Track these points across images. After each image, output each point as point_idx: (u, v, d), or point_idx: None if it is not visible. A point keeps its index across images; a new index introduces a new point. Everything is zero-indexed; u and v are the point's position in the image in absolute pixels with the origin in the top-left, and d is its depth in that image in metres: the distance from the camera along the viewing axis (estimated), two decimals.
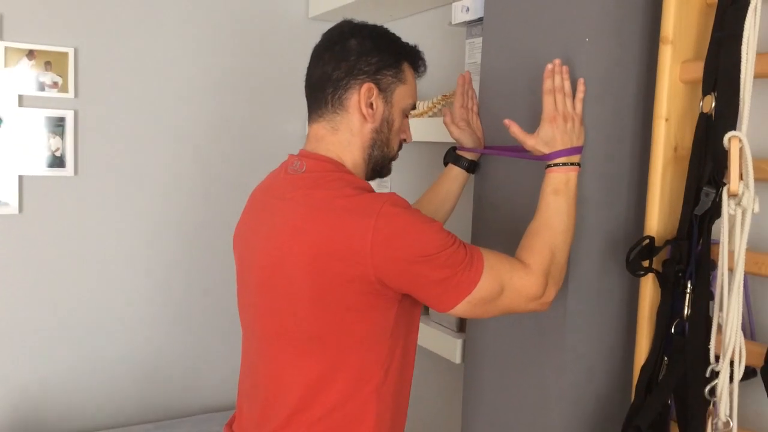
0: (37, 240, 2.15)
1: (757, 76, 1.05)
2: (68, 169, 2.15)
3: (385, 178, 1.40)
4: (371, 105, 1.22)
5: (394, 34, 1.28)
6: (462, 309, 1.12)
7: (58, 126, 2.12)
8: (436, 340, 1.69)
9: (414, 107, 1.31)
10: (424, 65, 1.31)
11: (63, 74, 2.11)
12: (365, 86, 1.21)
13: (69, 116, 2.13)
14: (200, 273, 2.43)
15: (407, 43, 1.28)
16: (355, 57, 1.21)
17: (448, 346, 1.67)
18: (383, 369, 1.17)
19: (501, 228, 1.44)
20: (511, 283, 1.13)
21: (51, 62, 2.10)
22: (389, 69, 1.23)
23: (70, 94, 2.13)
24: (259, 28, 2.45)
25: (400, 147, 1.31)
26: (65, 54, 2.11)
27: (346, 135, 1.22)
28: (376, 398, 1.17)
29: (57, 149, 2.13)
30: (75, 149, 2.16)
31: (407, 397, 1.27)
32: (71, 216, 2.19)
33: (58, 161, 2.13)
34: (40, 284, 2.18)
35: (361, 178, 1.24)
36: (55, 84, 2.11)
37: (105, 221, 2.24)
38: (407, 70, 1.27)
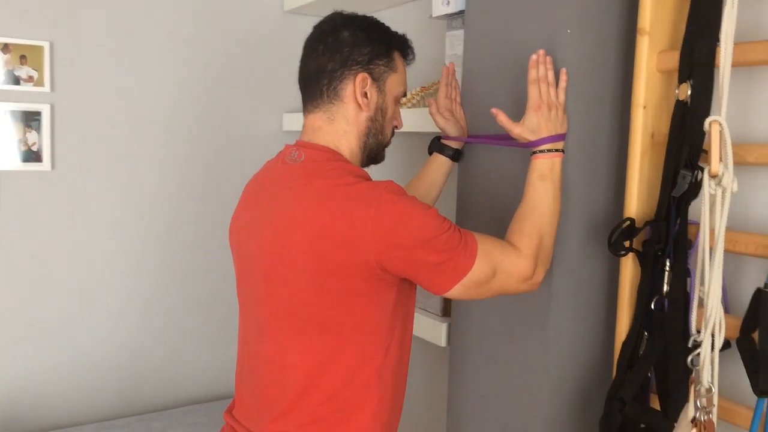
0: (14, 235, 2.14)
1: (732, 65, 1.11)
2: (45, 164, 2.14)
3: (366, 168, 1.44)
4: (366, 94, 1.25)
5: (383, 24, 1.32)
6: (457, 291, 1.16)
7: (34, 120, 2.10)
8: (422, 324, 1.74)
9: (405, 94, 1.35)
10: (413, 53, 1.35)
11: (39, 68, 2.10)
12: (360, 76, 1.24)
13: (45, 110, 2.12)
14: (177, 266, 2.43)
15: (396, 33, 1.32)
16: (348, 48, 1.24)
17: (434, 330, 1.72)
18: (383, 351, 1.21)
19: (484, 214, 1.49)
20: (503, 265, 1.18)
21: (26, 56, 2.08)
22: (381, 58, 1.27)
23: (46, 88, 2.12)
24: (236, 22, 2.46)
25: (392, 134, 1.34)
26: (40, 48, 2.10)
27: (342, 124, 1.25)
28: (377, 379, 1.21)
29: (33, 143, 2.11)
30: (52, 143, 2.15)
31: (405, 378, 1.31)
32: (48, 210, 2.18)
33: (34, 156, 2.12)
34: (18, 279, 2.16)
35: (358, 165, 1.27)
36: (30, 78, 2.09)
37: (82, 215, 2.23)
38: (398, 59, 1.31)
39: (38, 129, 2.11)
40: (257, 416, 1.25)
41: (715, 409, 1.06)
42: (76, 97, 2.18)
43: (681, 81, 1.20)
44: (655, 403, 1.28)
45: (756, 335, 1.12)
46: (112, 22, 2.23)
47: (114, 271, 2.31)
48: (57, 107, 2.15)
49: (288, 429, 1.20)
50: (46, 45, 2.11)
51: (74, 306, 2.26)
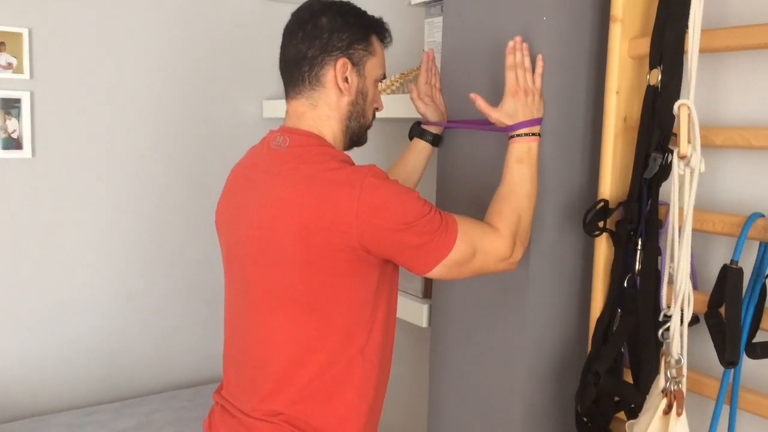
0: None
1: (699, 51, 1.16)
2: (26, 151, 2.14)
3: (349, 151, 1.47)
4: (346, 79, 1.28)
5: (360, 8, 1.34)
6: (438, 271, 1.21)
7: (14, 107, 2.10)
8: (403, 306, 1.78)
9: (384, 77, 1.38)
10: (390, 36, 1.37)
11: (17, 55, 2.10)
12: (340, 61, 1.27)
13: (25, 97, 2.12)
14: (161, 252, 2.45)
15: (373, 16, 1.35)
16: (327, 34, 1.27)
17: (415, 312, 1.76)
18: (367, 330, 1.25)
19: (464, 197, 1.53)
20: (482, 245, 1.22)
21: (5, 43, 2.08)
22: (360, 43, 1.30)
23: (26, 75, 2.12)
24: (215, 11, 2.47)
25: (373, 116, 1.38)
26: (19, 34, 2.10)
27: (325, 110, 1.28)
28: (361, 358, 1.25)
29: (14, 131, 2.11)
30: (32, 131, 2.15)
31: (390, 357, 1.35)
32: (29, 198, 2.18)
33: (14, 143, 2.12)
34: (0, 269, 2.17)
35: (341, 149, 1.31)
36: (9, 65, 2.09)
37: (63, 202, 2.24)
38: (375, 43, 1.33)
39: (18, 116, 2.11)
40: (246, 396, 1.29)
41: (684, 379, 1.11)
42: (56, 84, 2.18)
43: (652, 67, 1.25)
44: (629, 377, 1.34)
45: (723, 310, 1.17)
46: (92, 8, 2.23)
47: (97, 258, 2.33)
48: (37, 94, 2.15)
49: (277, 407, 1.23)
50: (24, 32, 2.10)
51: (58, 293, 2.27)
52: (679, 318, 1.10)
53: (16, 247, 2.19)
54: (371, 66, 1.32)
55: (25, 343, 2.24)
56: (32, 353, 2.25)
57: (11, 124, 2.11)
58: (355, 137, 1.34)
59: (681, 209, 1.09)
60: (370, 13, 1.35)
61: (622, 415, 1.37)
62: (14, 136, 2.12)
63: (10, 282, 2.19)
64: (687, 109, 1.04)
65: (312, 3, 1.32)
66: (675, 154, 1.07)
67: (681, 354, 1.10)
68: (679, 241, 1.09)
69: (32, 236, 2.20)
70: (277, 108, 2.49)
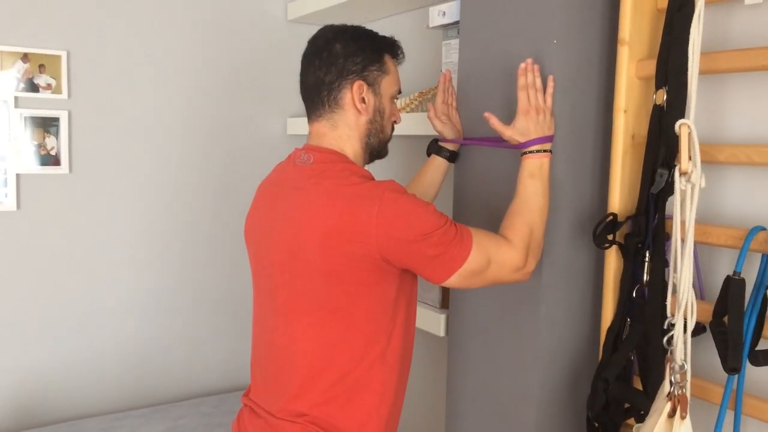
0: (34, 235, 2.25)
1: (700, 73, 1.22)
2: (63, 167, 2.25)
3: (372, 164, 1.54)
4: (363, 100, 1.36)
5: (371, 31, 1.41)
6: (455, 280, 1.27)
7: (52, 126, 2.21)
8: (422, 316, 1.84)
9: (400, 92, 1.45)
10: (402, 52, 1.45)
11: (56, 76, 2.21)
12: (356, 84, 1.35)
13: (63, 116, 2.23)
14: (190, 264, 2.54)
15: (384, 36, 1.42)
16: (342, 60, 1.35)
17: (433, 321, 1.82)
18: (387, 336, 1.32)
19: (479, 210, 1.59)
20: (496, 256, 1.29)
21: (45, 65, 2.19)
22: (373, 64, 1.37)
23: (64, 95, 2.23)
24: (243, 32, 2.57)
25: (392, 129, 1.45)
26: (58, 57, 2.21)
27: (345, 130, 1.36)
28: (381, 363, 1.32)
29: (52, 148, 2.22)
30: (69, 148, 2.26)
31: (409, 362, 1.41)
32: (66, 211, 2.29)
33: (53, 159, 2.23)
34: (38, 277, 2.27)
35: (362, 165, 1.38)
36: (48, 86, 2.20)
37: (98, 215, 2.35)
38: (389, 61, 1.41)
39: (56, 134, 2.22)
40: (273, 398, 1.36)
41: (688, 384, 1.17)
42: (92, 104, 2.29)
43: (658, 87, 1.31)
44: (638, 385, 1.39)
45: (726, 319, 1.23)
46: (126, 33, 2.34)
47: (129, 269, 2.42)
48: (74, 113, 2.26)
49: (301, 409, 1.30)
50: (63, 54, 2.22)
51: (91, 303, 2.37)
52: (683, 326, 1.15)
53: (53, 259, 2.29)
54: (386, 84, 1.40)
55: (60, 350, 2.33)
56: (66, 360, 2.35)
57: (50, 141, 2.22)
58: (376, 152, 1.42)
59: (683, 222, 1.15)
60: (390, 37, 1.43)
61: (632, 421, 1.42)
62: (52, 153, 2.23)
63: (47, 291, 2.29)
64: (687, 128, 1.11)
65: (326, 31, 1.40)
66: (677, 170, 1.13)
67: (684, 360, 1.15)
68: (681, 253, 1.15)
69: (68, 247, 2.31)
70: (300, 125, 2.58)
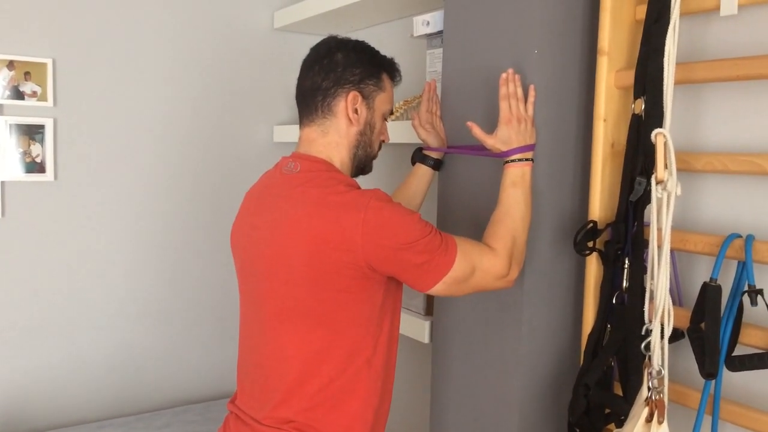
0: (19, 242, 2.24)
1: (677, 83, 1.25)
2: (48, 175, 2.24)
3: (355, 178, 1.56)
4: (356, 110, 1.38)
5: (373, 48, 1.45)
6: (439, 288, 1.29)
7: (38, 133, 2.21)
8: (406, 323, 1.85)
9: (392, 112, 1.48)
10: (400, 75, 1.48)
11: (42, 84, 2.21)
12: (351, 94, 1.37)
13: (48, 124, 2.23)
14: (175, 271, 2.54)
15: (385, 56, 1.45)
16: (341, 68, 1.37)
17: (417, 328, 1.84)
18: (372, 342, 1.33)
19: (463, 218, 1.61)
20: (480, 264, 1.30)
21: (30, 72, 2.19)
22: (371, 78, 1.40)
23: (49, 103, 2.23)
24: (229, 40, 2.58)
25: (379, 147, 1.47)
26: (44, 64, 2.21)
27: (335, 137, 1.38)
28: (367, 369, 1.33)
29: (37, 155, 2.22)
30: (54, 155, 2.25)
31: (393, 369, 1.43)
32: (51, 219, 2.28)
33: (38, 167, 2.23)
34: (23, 285, 2.26)
35: (348, 174, 1.40)
36: (34, 93, 2.20)
37: (83, 223, 2.34)
38: (386, 80, 1.43)
39: (42, 141, 2.22)
40: (259, 405, 1.37)
41: (665, 389, 1.19)
42: (77, 112, 2.29)
43: (636, 96, 1.34)
44: (619, 390, 1.41)
45: (704, 325, 1.25)
46: (111, 40, 2.34)
47: (114, 277, 2.42)
48: (59, 121, 2.26)
49: (287, 415, 1.31)
50: (49, 62, 2.22)
51: (75, 310, 2.36)
52: (660, 332, 1.17)
53: (37, 265, 2.28)
54: (380, 101, 1.42)
55: (43, 358, 2.32)
56: (50, 368, 2.34)
57: (35, 149, 2.21)
58: (362, 165, 1.44)
59: (660, 230, 1.17)
60: (378, 48, 1.45)
61: (612, 426, 1.43)
62: (38, 160, 2.22)
63: (31, 299, 2.28)
64: (663, 137, 1.13)
65: (329, 40, 1.43)
66: (653, 178, 1.15)
67: (662, 366, 1.17)
68: (658, 260, 1.17)
69: (53, 255, 2.30)
70: (287, 133, 2.59)
